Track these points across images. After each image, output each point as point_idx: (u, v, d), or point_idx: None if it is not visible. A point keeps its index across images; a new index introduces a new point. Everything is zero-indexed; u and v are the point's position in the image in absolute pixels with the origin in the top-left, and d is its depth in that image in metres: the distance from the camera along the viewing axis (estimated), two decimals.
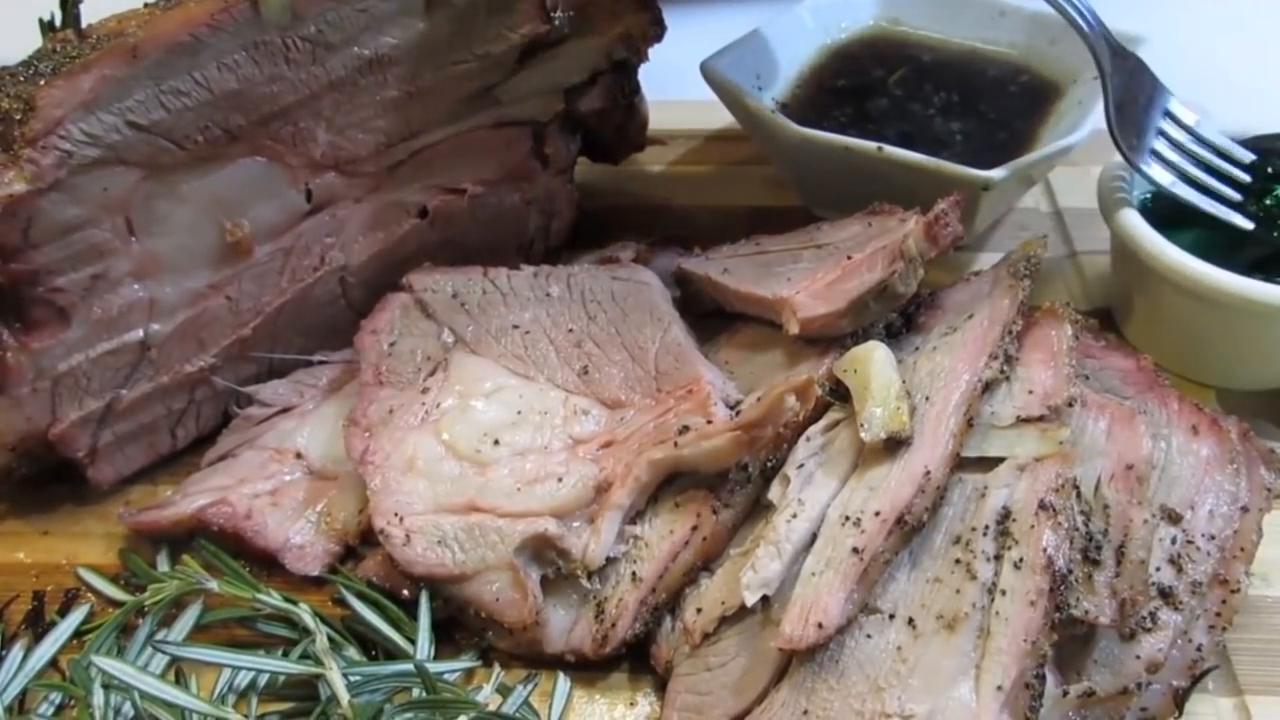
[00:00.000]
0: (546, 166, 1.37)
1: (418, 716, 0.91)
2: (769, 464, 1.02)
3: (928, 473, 0.93)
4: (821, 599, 0.89)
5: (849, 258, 1.12)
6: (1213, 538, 0.97)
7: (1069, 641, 0.91)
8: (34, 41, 1.13)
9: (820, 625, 0.87)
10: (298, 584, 1.06)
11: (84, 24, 1.13)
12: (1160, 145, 1.23)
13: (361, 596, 1.01)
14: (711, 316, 1.21)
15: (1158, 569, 0.95)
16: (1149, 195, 1.27)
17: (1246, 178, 1.23)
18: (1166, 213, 1.24)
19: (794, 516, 0.95)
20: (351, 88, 1.16)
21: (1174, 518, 0.97)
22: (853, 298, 1.06)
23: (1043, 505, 0.92)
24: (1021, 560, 0.90)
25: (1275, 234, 1.20)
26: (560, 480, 1.01)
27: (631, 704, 0.98)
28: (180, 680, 0.96)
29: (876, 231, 1.14)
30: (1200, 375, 1.22)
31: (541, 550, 0.99)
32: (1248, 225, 1.19)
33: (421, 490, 1.02)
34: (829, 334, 1.08)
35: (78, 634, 1.01)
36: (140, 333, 1.12)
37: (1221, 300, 1.13)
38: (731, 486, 1.00)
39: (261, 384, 1.22)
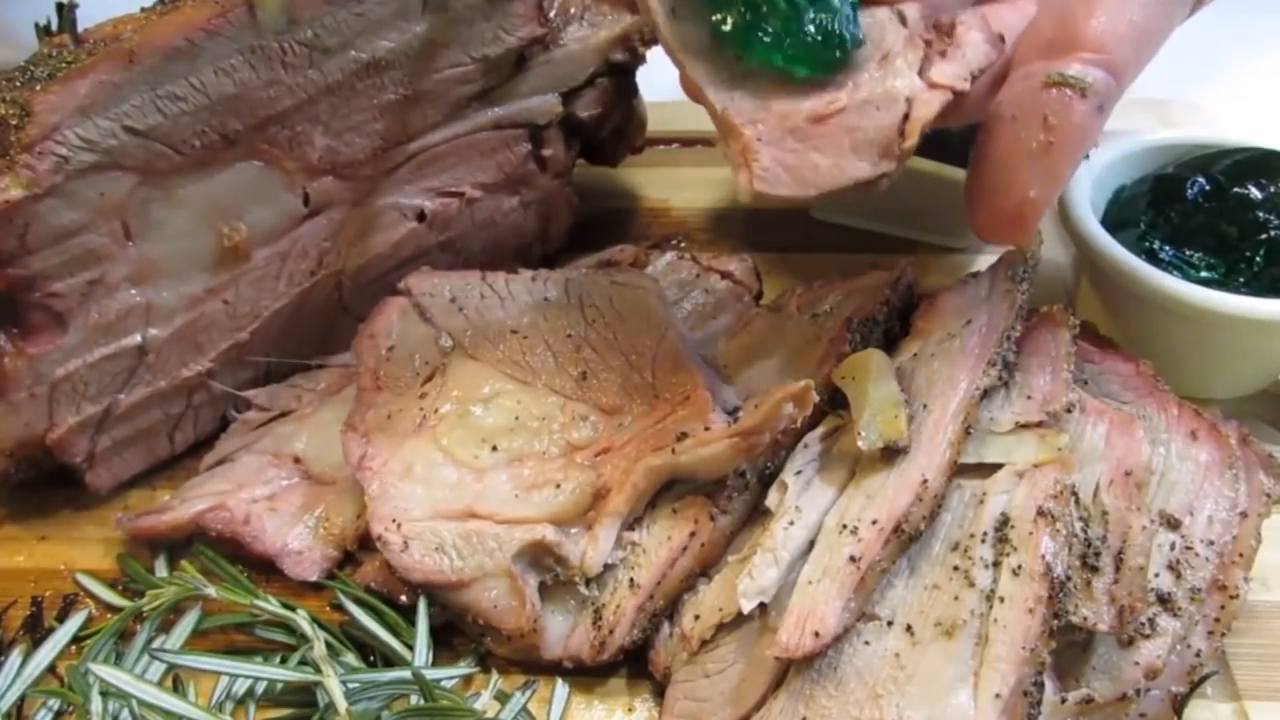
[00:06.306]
0: (545, 169, 1.37)
1: None
2: (767, 470, 1.02)
3: (925, 481, 0.93)
4: (818, 607, 0.88)
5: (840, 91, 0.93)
6: (1211, 543, 0.97)
7: (1067, 648, 0.91)
8: (30, 46, 1.13)
9: (817, 634, 0.87)
10: (296, 589, 1.06)
11: (80, 29, 1.13)
12: None
13: (359, 602, 1.01)
14: (710, 321, 1.21)
15: (1156, 575, 0.94)
16: (1111, 196, 1.27)
17: None
18: (1124, 217, 1.24)
19: (791, 524, 0.95)
20: (348, 91, 1.16)
21: (1173, 523, 0.97)
22: (826, 189, 0.92)
23: (1041, 512, 0.92)
24: (1020, 567, 0.90)
25: None
26: (558, 487, 1.01)
27: (630, 710, 0.98)
28: (178, 687, 0.96)
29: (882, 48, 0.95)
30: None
31: (539, 557, 0.99)
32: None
33: (419, 496, 1.02)
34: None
35: (76, 640, 1.01)
36: (138, 337, 1.12)
37: (1184, 312, 1.13)
38: (729, 493, 1.00)
39: (259, 388, 1.22)
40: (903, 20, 0.96)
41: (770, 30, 0.92)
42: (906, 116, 0.92)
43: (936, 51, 0.95)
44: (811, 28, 0.92)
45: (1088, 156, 1.25)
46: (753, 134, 0.91)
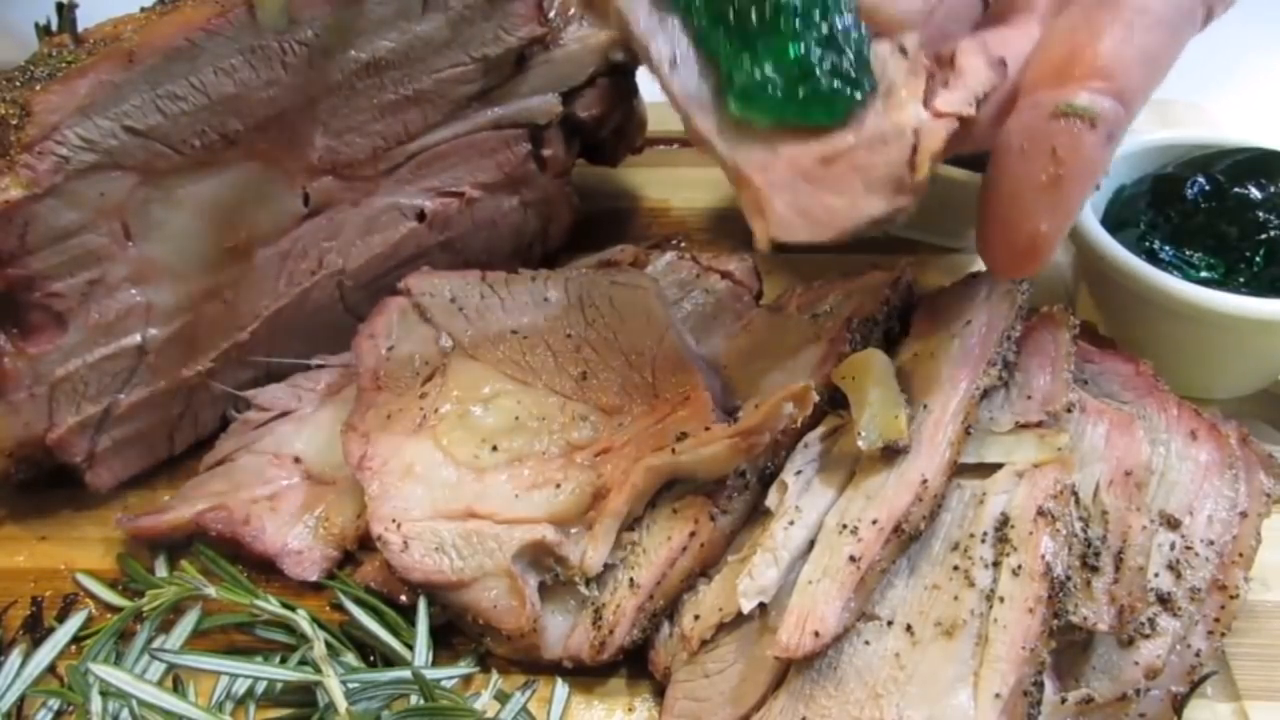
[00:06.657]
0: (545, 169, 1.37)
1: None
2: (767, 470, 1.02)
3: (925, 481, 0.93)
4: (818, 607, 0.88)
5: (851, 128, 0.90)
6: (1211, 543, 0.97)
7: (1067, 648, 0.91)
8: (30, 46, 1.13)
9: (817, 634, 0.87)
10: (296, 589, 1.06)
11: (80, 29, 1.13)
12: None
13: (359, 602, 1.01)
14: (710, 321, 1.21)
15: (1156, 575, 0.94)
16: (1111, 196, 1.27)
17: None
18: (1124, 217, 1.25)
19: (791, 524, 0.95)
20: (348, 91, 1.16)
21: (1173, 523, 0.97)
22: (843, 229, 0.89)
23: (1041, 511, 0.92)
24: (1020, 567, 0.90)
25: None
26: (558, 487, 1.01)
27: (629, 710, 0.98)
28: (178, 687, 0.96)
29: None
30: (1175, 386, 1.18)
31: (539, 557, 0.99)
32: None
33: (419, 496, 1.02)
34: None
35: (76, 640, 1.01)
36: (138, 337, 1.12)
37: (1184, 312, 1.13)
38: (729, 493, 1.00)
39: (259, 388, 1.22)
40: (903, 52, 0.94)
41: (780, 87, 0.89)
42: (915, 149, 0.89)
43: (940, 82, 0.92)
44: (823, 81, 0.90)
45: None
46: (764, 181, 0.90)
